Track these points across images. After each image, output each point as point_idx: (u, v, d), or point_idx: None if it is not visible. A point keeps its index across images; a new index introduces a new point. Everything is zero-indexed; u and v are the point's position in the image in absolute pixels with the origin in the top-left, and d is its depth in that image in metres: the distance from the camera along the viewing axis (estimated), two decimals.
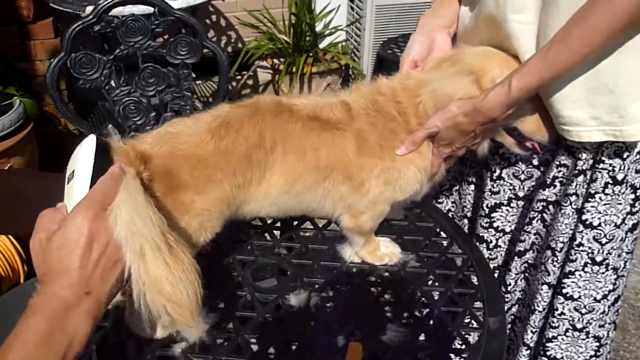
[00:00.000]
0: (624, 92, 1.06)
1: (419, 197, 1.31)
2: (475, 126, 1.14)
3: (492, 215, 1.44)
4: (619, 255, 1.28)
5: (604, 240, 1.25)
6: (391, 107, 1.18)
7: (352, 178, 1.16)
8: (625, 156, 1.17)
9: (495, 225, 1.46)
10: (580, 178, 1.22)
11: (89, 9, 2.17)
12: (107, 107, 2.07)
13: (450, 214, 1.60)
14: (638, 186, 1.22)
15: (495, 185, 1.41)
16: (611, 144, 1.16)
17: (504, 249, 1.48)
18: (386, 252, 1.30)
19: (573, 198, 1.25)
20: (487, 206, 1.44)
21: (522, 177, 1.38)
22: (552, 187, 1.30)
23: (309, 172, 1.13)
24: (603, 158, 1.18)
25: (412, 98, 1.18)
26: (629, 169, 1.19)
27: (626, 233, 1.26)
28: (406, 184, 1.21)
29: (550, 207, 1.32)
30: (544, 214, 1.34)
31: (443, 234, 1.38)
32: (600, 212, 1.23)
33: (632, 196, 1.22)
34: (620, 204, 1.22)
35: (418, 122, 1.17)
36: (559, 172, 1.27)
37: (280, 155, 1.12)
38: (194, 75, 2.11)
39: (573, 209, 1.26)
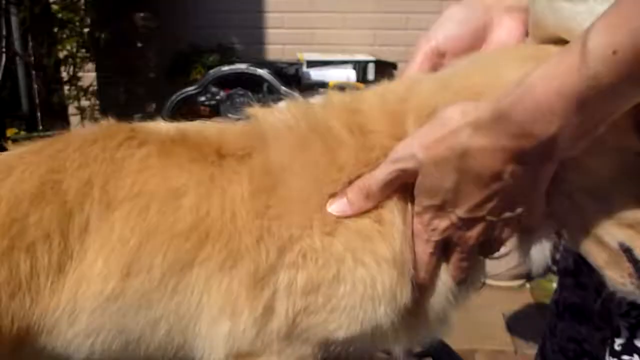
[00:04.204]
0: None
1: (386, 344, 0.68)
2: (500, 163, 0.54)
3: None
4: None
5: None
6: (337, 120, 0.64)
7: (243, 260, 0.60)
8: None
9: None
10: None
11: None
12: None
13: None
14: None
15: None
16: None
17: None
18: None
19: None
20: None
21: None
22: None
23: (156, 244, 0.60)
24: None
25: (389, 103, 0.64)
26: None
27: None
28: (350, 300, 0.61)
29: None
30: None
31: None
32: None
33: None
34: None
35: (385, 150, 0.62)
36: None
37: (97, 211, 0.60)
38: None
39: None
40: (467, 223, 0.59)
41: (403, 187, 0.61)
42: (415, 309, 0.65)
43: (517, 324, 2.58)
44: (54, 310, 0.59)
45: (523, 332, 2.51)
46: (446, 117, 0.56)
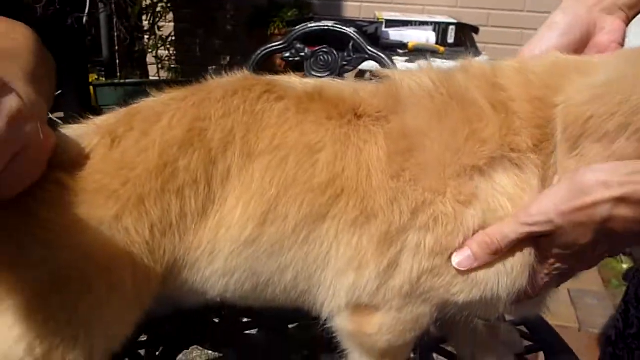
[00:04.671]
0: None
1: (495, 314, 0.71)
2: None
3: None
4: None
5: None
6: (479, 91, 0.64)
7: (375, 218, 0.62)
8: None
9: None
10: None
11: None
12: None
13: None
14: None
15: None
16: None
17: None
18: None
19: None
20: None
21: None
22: None
23: (292, 195, 0.62)
24: None
25: (533, 87, 0.63)
26: None
27: None
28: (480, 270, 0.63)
29: None
30: None
31: None
32: None
33: None
34: None
35: (533, 139, 0.62)
36: None
37: (238, 160, 0.62)
38: None
39: None
40: (591, 262, 0.63)
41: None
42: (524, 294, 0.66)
43: (582, 301, 2.53)
44: (196, 249, 0.62)
45: (588, 310, 2.47)
46: (586, 186, 0.56)
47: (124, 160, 0.59)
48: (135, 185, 0.59)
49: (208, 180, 0.61)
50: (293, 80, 0.68)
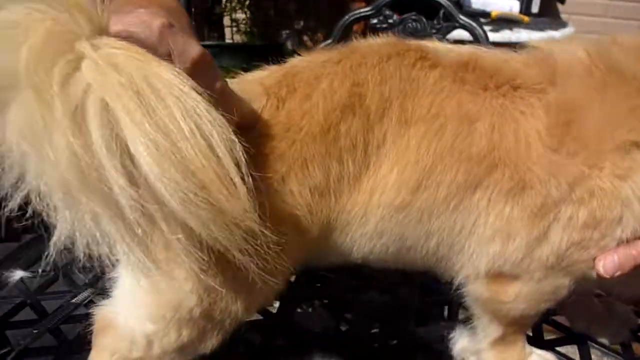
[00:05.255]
0: None
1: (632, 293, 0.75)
2: None
3: None
4: None
5: None
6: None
7: (531, 190, 0.62)
8: None
9: None
10: None
11: None
12: None
13: None
14: None
15: None
16: None
17: None
18: None
19: None
20: None
21: None
22: None
23: (447, 164, 0.63)
24: None
25: None
26: None
27: None
28: None
29: None
30: None
31: None
32: None
33: None
34: None
35: None
36: None
37: (394, 127, 0.63)
38: None
39: None
40: None
41: None
42: None
43: None
44: (348, 211, 0.64)
45: None
46: None
47: (290, 122, 0.61)
48: (301, 148, 0.60)
49: (365, 145, 0.62)
50: (439, 46, 0.68)
